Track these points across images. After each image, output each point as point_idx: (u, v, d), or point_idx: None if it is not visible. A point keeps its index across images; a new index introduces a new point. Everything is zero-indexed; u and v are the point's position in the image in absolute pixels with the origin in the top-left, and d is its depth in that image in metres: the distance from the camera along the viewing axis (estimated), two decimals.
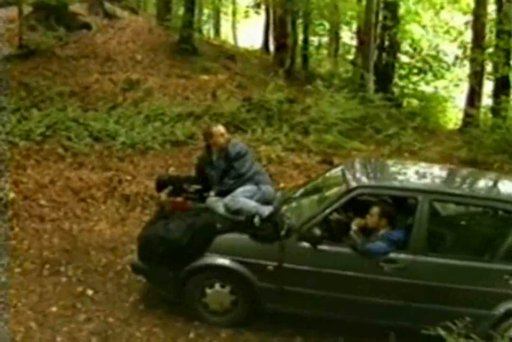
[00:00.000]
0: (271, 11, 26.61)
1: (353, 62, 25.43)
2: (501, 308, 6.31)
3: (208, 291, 6.90)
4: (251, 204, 7.16)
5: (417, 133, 15.94)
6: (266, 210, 7.00)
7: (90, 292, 7.60)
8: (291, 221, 6.72)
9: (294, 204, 7.52)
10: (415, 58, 26.75)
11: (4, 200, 9.71)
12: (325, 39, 30.02)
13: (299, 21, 24.09)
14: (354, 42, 26.49)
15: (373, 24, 20.87)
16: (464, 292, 6.36)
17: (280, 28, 23.03)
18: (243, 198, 7.25)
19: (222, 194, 7.44)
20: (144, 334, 6.80)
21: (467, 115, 19.00)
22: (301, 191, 7.83)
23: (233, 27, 36.24)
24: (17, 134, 12.38)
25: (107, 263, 8.41)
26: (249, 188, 7.41)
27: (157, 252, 6.80)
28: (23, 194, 10.20)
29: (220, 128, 7.79)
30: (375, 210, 6.79)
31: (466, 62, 22.03)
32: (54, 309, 7.18)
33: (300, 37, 25.10)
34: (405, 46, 26.82)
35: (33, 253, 8.56)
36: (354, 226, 6.74)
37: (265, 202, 7.38)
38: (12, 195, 9.98)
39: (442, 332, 5.52)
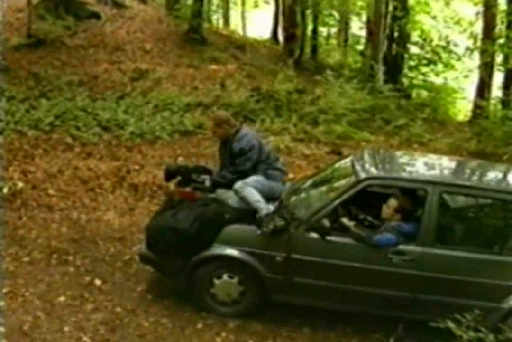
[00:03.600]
0: (280, 1, 26.51)
1: (362, 53, 25.36)
2: (511, 301, 6.27)
3: (216, 281, 6.89)
4: (255, 198, 7.06)
5: (427, 125, 15.92)
6: (265, 209, 6.92)
7: (98, 282, 7.60)
8: (299, 212, 6.71)
9: (302, 195, 7.48)
10: (425, 49, 26.64)
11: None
12: (334, 30, 29.96)
13: (309, 11, 24.01)
14: (364, 33, 26.37)
15: (382, 14, 20.79)
16: (473, 284, 6.34)
17: (289, 18, 22.89)
18: (252, 187, 7.18)
19: (217, 185, 7.42)
20: (151, 324, 6.80)
21: (476, 106, 18.83)
22: (309, 181, 7.77)
23: (242, 17, 36.10)
24: (26, 124, 12.41)
25: (115, 252, 8.41)
26: (260, 178, 7.34)
27: (165, 242, 6.80)
28: (32, 183, 10.19)
29: (226, 120, 7.72)
30: (393, 202, 6.76)
31: (476, 53, 21.87)
32: (62, 298, 7.17)
33: (310, 27, 25.06)
34: (415, 37, 26.71)
35: (41, 242, 8.55)
36: (348, 222, 6.69)
37: (271, 196, 7.34)
38: (20, 184, 9.99)
39: (451, 325, 5.49)
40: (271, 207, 7.01)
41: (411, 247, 6.43)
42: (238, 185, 7.18)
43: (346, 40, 28.25)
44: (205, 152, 12.14)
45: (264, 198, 7.17)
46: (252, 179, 7.28)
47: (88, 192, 10.26)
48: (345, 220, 6.69)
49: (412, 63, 26.74)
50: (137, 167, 11.22)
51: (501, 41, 19.03)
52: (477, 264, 6.38)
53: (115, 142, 12.37)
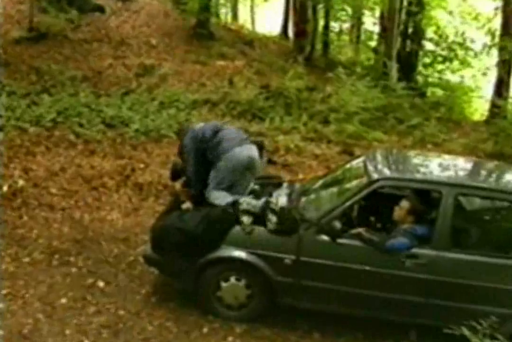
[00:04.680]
0: None
1: (375, 50, 25.29)
2: None
3: (223, 284, 6.81)
4: (217, 201, 7.04)
5: (441, 124, 15.99)
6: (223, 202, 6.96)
7: (100, 283, 7.51)
8: (310, 213, 6.63)
9: (313, 196, 7.41)
10: (441, 45, 26.43)
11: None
12: (346, 25, 29.85)
13: (320, 6, 23.90)
14: (377, 29, 26.24)
15: (397, 9, 20.62)
16: (489, 289, 6.24)
17: (300, 13, 22.80)
18: (215, 190, 7.15)
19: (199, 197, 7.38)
20: (156, 327, 6.72)
21: (494, 106, 18.74)
22: (320, 182, 7.71)
23: (252, 11, 36.14)
24: (27, 120, 12.43)
25: (118, 253, 8.32)
26: (215, 169, 7.23)
27: (172, 242, 6.74)
28: (33, 182, 10.11)
29: (181, 129, 7.95)
30: (405, 204, 6.65)
31: (494, 51, 21.61)
32: (63, 300, 7.09)
33: (321, 22, 24.99)
34: (430, 33, 26.53)
35: (42, 242, 8.46)
36: (358, 230, 6.54)
37: (246, 158, 7.19)
38: (21, 183, 9.93)
39: (466, 332, 5.33)
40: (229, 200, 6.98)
41: (424, 251, 6.33)
42: (206, 194, 7.22)
43: (358, 36, 28.30)
44: None
45: (236, 177, 7.20)
46: (210, 179, 7.24)
47: (91, 190, 10.18)
48: (354, 231, 6.54)
49: (427, 60, 26.62)
50: (142, 166, 11.18)
51: None
52: (492, 269, 6.29)
53: (119, 140, 12.33)
